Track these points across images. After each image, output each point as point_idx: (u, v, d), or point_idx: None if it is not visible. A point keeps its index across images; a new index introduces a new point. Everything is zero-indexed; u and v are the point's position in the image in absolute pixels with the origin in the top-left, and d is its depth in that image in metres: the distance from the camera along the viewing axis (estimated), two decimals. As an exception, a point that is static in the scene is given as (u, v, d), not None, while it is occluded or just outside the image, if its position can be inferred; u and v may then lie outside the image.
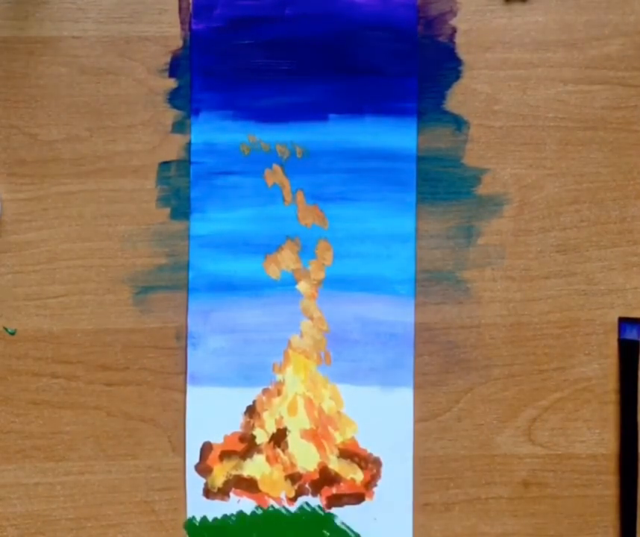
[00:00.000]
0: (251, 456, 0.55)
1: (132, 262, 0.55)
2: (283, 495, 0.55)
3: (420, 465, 0.55)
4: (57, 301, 0.54)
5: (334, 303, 0.55)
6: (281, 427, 0.55)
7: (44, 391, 0.54)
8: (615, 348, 0.55)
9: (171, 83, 0.55)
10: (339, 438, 0.55)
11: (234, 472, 0.55)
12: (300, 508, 0.55)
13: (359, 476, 0.55)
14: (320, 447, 0.55)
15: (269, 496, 0.55)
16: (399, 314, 0.55)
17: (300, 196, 0.55)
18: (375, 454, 0.55)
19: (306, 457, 0.55)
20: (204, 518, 0.54)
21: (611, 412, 0.55)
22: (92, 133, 0.55)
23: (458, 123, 0.55)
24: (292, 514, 0.55)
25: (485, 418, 0.55)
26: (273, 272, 0.55)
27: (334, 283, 0.55)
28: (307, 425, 0.55)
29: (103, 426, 0.55)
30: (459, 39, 0.55)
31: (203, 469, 0.54)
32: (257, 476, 0.55)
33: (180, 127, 0.55)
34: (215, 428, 0.55)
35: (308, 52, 0.55)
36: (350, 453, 0.55)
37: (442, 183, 0.55)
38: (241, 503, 0.55)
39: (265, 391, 0.55)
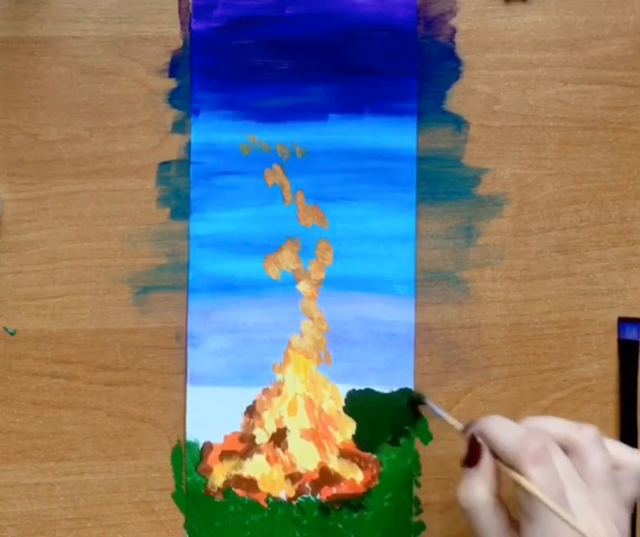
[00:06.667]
0: (251, 456, 0.55)
1: (132, 262, 0.55)
2: (283, 495, 0.55)
3: (420, 465, 0.55)
4: (57, 301, 0.54)
5: (334, 303, 0.55)
6: (281, 427, 0.55)
7: (44, 391, 0.54)
8: (615, 348, 0.55)
9: (171, 83, 0.55)
10: (339, 438, 0.55)
11: (234, 472, 0.55)
12: (300, 508, 0.55)
13: (359, 476, 0.55)
14: (320, 446, 0.55)
15: (269, 496, 0.55)
16: (399, 314, 0.55)
17: (300, 196, 0.55)
18: (375, 454, 0.55)
19: (306, 457, 0.55)
20: (204, 518, 0.55)
21: (611, 412, 0.55)
22: (92, 133, 0.55)
23: (458, 123, 0.55)
24: (291, 514, 0.55)
25: (485, 418, 0.55)
26: (273, 272, 0.55)
27: (334, 283, 0.55)
28: (307, 425, 0.55)
29: (103, 426, 0.55)
30: (458, 40, 0.55)
31: (203, 469, 0.54)
32: (257, 476, 0.55)
33: (180, 127, 0.55)
34: (215, 428, 0.55)
35: (308, 52, 0.55)
36: (350, 453, 0.55)
37: (442, 183, 0.55)
38: (241, 503, 0.55)
39: (265, 391, 0.55)
